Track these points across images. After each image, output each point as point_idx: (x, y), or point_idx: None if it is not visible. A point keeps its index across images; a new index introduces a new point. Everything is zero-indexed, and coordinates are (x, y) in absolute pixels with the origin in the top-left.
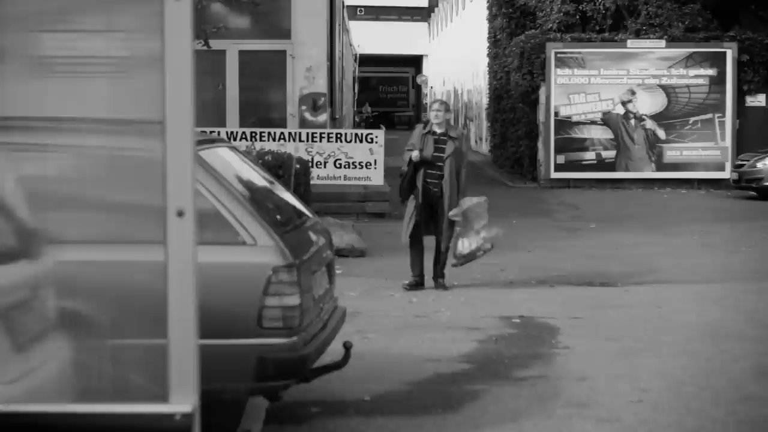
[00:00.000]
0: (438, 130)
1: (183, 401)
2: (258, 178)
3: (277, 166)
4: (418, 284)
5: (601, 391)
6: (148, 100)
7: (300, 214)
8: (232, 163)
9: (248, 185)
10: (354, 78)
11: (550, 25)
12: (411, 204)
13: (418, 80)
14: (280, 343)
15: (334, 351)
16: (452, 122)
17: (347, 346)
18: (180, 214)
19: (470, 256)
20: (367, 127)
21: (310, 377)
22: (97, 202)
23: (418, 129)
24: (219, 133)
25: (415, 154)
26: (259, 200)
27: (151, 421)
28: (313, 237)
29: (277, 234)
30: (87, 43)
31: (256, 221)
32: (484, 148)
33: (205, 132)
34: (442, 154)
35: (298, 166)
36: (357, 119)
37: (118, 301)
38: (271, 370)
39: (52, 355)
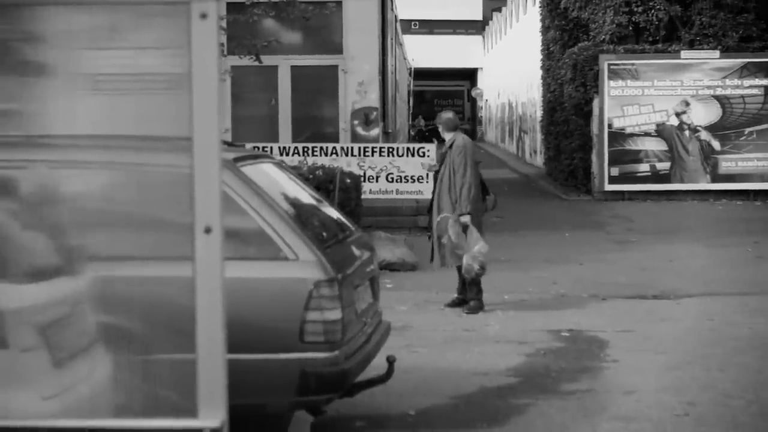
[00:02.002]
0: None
1: (211, 416)
2: (302, 193)
3: (328, 181)
4: (462, 302)
5: (648, 404)
6: (183, 117)
7: (344, 228)
8: (276, 179)
9: (291, 200)
10: (409, 92)
11: (603, 36)
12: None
13: (473, 93)
14: (321, 358)
15: (378, 365)
16: (496, 125)
17: (390, 360)
18: (207, 231)
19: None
20: (420, 141)
21: (353, 391)
22: (133, 218)
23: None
24: (271, 148)
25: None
26: (302, 215)
27: None
28: (356, 251)
29: (319, 249)
30: (129, 61)
31: (297, 236)
32: (539, 160)
33: (257, 149)
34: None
35: (348, 180)
36: (412, 133)
37: (150, 317)
38: (313, 384)
39: (89, 372)
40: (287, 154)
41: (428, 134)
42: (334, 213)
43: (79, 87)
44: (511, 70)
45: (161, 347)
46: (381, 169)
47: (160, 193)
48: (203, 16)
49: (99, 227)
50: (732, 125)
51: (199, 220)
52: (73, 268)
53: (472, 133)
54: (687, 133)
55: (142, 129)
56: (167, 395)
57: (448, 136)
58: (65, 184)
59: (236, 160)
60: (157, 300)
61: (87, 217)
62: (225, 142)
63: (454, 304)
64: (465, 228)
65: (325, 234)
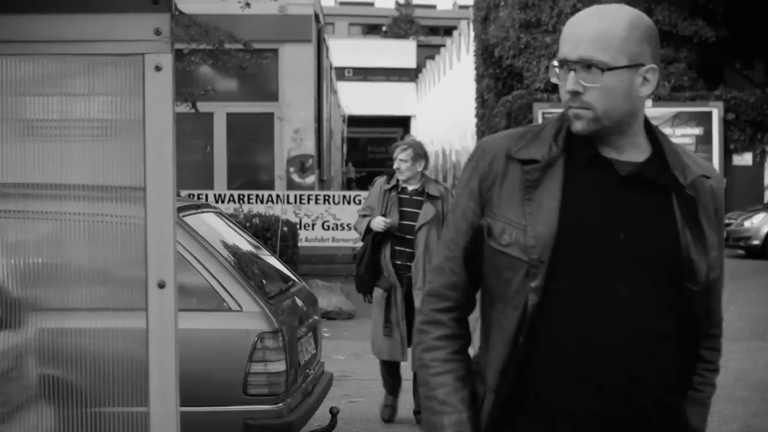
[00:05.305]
0: (410, 187)
1: None
2: (244, 242)
3: (265, 229)
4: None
5: None
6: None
7: (286, 278)
8: (218, 229)
9: (234, 251)
10: (342, 139)
11: (538, 85)
12: (379, 301)
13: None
14: (265, 410)
15: (322, 416)
16: (430, 173)
17: (333, 412)
18: (161, 286)
19: None
20: (349, 188)
21: None
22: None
23: (378, 184)
24: (207, 195)
25: (377, 222)
26: (244, 266)
27: None
28: (299, 302)
29: (263, 300)
30: (73, 107)
31: (241, 287)
32: None
33: (192, 196)
34: (413, 223)
35: (285, 228)
36: (344, 180)
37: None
38: None
39: (35, 426)
40: (223, 202)
41: (357, 182)
42: (276, 263)
43: (28, 134)
44: (444, 118)
45: (111, 400)
46: (317, 217)
47: (113, 244)
48: (158, 68)
49: (45, 279)
50: None
51: (152, 275)
52: (17, 320)
53: None
54: None
55: (94, 178)
56: None
57: (419, 179)
58: (11, 233)
59: (179, 210)
60: (108, 352)
61: (32, 269)
62: None
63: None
64: None
65: (268, 285)
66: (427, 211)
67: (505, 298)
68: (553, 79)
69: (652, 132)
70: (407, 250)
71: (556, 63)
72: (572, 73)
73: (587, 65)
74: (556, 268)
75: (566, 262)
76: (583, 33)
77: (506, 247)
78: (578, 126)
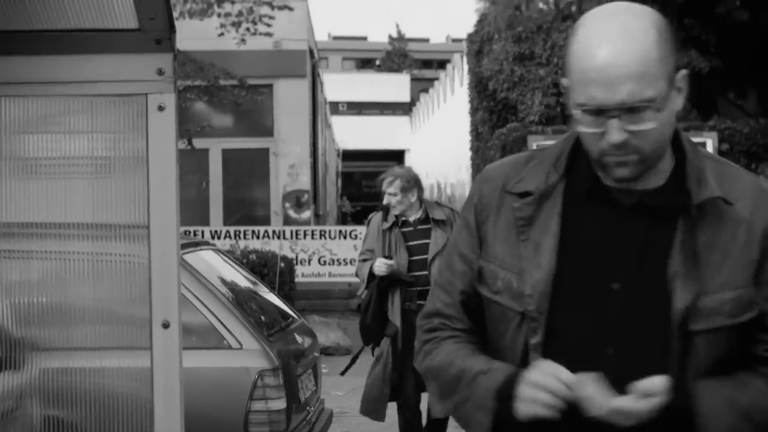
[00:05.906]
0: (412, 217)
1: None
2: (242, 279)
3: (262, 265)
4: None
5: None
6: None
7: (285, 315)
8: (216, 266)
9: (233, 288)
10: (337, 173)
11: (532, 118)
12: (384, 350)
13: None
14: None
15: None
16: (432, 196)
17: None
18: (165, 326)
19: None
20: (345, 223)
21: None
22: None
23: (375, 223)
24: (203, 232)
25: (379, 266)
26: (244, 303)
27: None
28: (299, 339)
29: (262, 337)
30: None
31: (241, 325)
32: None
33: (189, 233)
34: (424, 256)
35: (282, 264)
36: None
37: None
38: None
39: None
40: (219, 238)
41: (351, 216)
42: (275, 299)
43: (31, 172)
44: (439, 151)
45: None
46: (313, 252)
47: (117, 283)
48: (161, 108)
49: (48, 318)
50: None
51: (157, 315)
52: (20, 360)
53: None
54: None
55: (97, 216)
56: None
57: (417, 207)
58: (14, 273)
59: None
60: (112, 392)
61: (35, 308)
62: None
63: None
64: None
65: (268, 322)
66: (437, 239)
67: (502, 355)
68: (580, 129)
69: (678, 141)
70: (421, 288)
71: (579, 112)
72: (614, 121)
73: (631, 108)
74: (554, 320)
75: (561, 313)
76: (619, 71)
77: (496, 295)
78: (623, 173)
